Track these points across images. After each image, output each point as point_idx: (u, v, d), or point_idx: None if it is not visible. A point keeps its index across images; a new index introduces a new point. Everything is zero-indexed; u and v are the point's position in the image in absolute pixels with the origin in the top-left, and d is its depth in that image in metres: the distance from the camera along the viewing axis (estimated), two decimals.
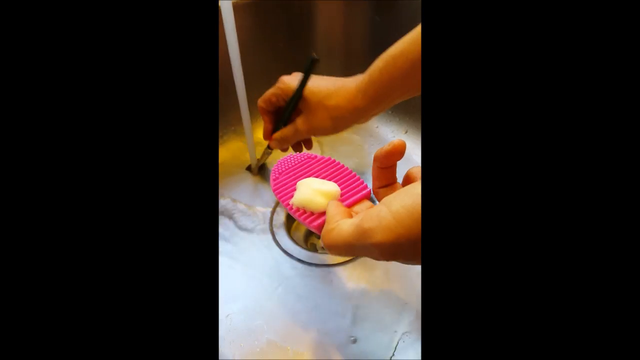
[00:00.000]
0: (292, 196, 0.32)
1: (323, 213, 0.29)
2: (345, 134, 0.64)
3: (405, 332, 0.41)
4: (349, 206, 0.30)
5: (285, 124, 0.44)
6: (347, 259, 0.48)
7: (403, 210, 0.21)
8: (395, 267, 0.46)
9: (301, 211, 0.31)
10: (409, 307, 0.43)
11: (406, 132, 0.62)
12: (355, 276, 0.46)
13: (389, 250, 0.22)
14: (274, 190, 0.34)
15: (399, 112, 0.64)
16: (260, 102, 0.44)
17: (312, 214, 0.30)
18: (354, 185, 0.32)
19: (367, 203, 0.30)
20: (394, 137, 0.62)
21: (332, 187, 0.30)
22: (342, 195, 0.31)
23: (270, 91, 0.43)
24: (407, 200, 0.21)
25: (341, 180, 0.33)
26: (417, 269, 0.46)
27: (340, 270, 0.47)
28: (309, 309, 0.43)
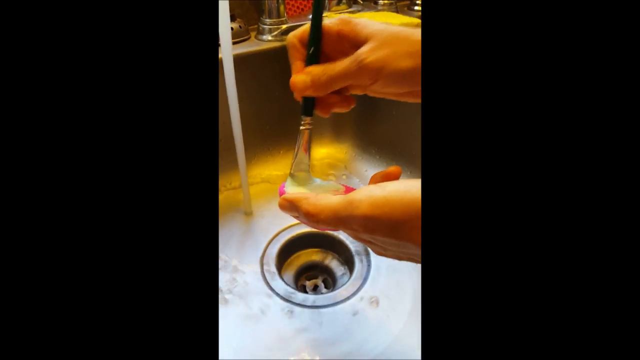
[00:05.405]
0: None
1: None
2: (334, 178, 0.66)
3: None
4: None
5: (312, 60, 0.31)
6: (338, 300, 0.48)
7: (394, 192, 0.23)
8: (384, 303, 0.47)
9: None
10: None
11: None
12: (342, 317, 0.46)
13: (370, 224, 0.24)
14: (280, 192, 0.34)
15: (386, 157, 0.67)
16: (293, 37, 0.32)
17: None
18: (351, 189, 0.34)
19: None
20: None
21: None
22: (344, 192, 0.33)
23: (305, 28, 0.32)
24: (400, 186, 0.24)
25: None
26: (401, 311, 0.47)
27: (328, 311, 0.47)
28: (300, 349, 0.43)
